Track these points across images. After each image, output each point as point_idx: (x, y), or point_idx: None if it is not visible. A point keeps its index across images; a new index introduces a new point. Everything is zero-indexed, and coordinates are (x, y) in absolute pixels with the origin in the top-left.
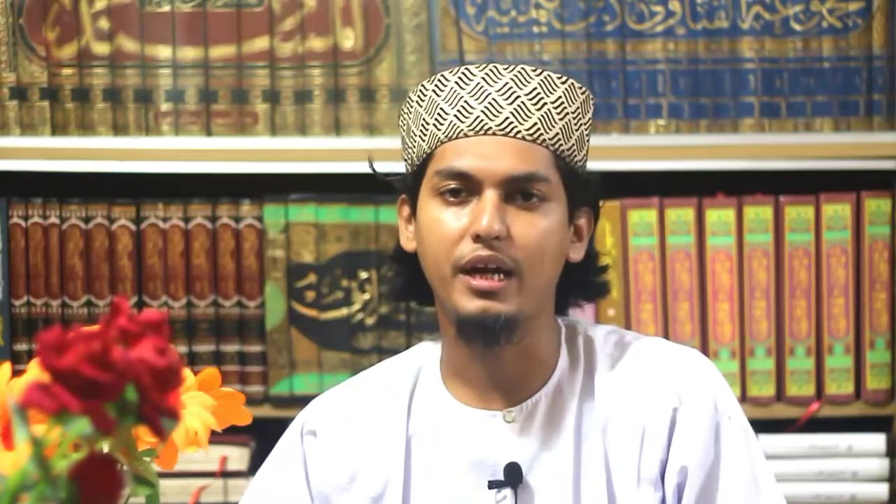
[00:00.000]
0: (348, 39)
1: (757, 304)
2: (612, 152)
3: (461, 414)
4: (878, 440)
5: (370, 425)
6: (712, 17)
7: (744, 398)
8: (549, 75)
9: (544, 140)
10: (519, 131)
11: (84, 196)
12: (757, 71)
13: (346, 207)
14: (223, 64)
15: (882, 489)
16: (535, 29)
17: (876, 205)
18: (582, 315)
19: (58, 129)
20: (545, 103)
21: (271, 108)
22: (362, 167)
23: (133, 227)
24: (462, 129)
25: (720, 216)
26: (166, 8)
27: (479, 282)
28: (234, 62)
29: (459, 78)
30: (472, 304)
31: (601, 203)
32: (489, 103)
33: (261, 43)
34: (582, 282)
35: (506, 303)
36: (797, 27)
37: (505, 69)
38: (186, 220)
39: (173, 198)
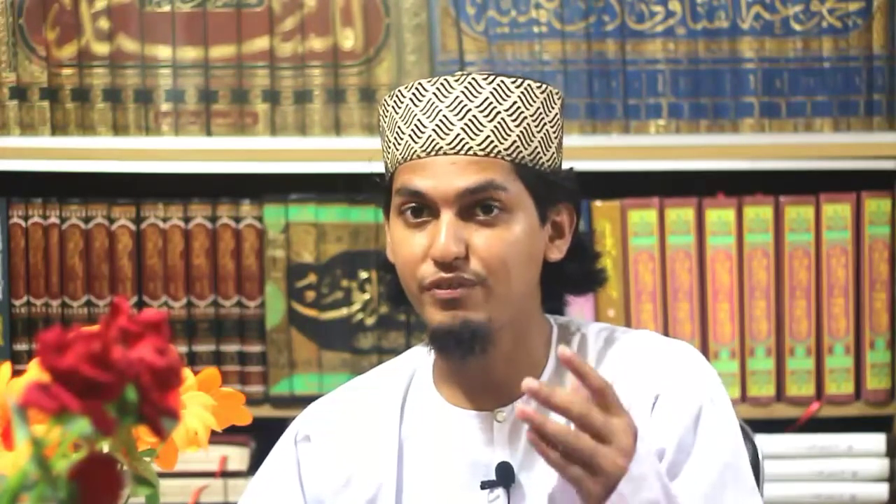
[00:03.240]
0: (348, 39)
1: (757, 304)
2: (612, 152)
3: (452, 415)
4: (878, 440)
5: (364, 429)
6: (712, 17)
7: (744, 398)
8: (502, 81)
9: (499, 152)
10: (471, 147)
11: (84, 196)
12: (757, 71)
13: (346, 207)
14: (223, 64)
15: (882, 489)
16: (535, 29)
17: (876, 205)
18: (582, 315)
19: (58, 129)
20: (498, 112)
21: (271, 108)
22: (362, 167)
23: (133, 227)
24: (416, 151)
25: (720, 216)
26: (166, 8)
27: (444, 292)
28: (234, 62)
29: (413, 94)
30: (440, 315)
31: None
32: (440, 121)
33: (261, 43)
34: (573, 275)
35: (473, 310)
36: (797, 27)
37: (456, 81)
38: (186, 220)
39: (173, 198)
